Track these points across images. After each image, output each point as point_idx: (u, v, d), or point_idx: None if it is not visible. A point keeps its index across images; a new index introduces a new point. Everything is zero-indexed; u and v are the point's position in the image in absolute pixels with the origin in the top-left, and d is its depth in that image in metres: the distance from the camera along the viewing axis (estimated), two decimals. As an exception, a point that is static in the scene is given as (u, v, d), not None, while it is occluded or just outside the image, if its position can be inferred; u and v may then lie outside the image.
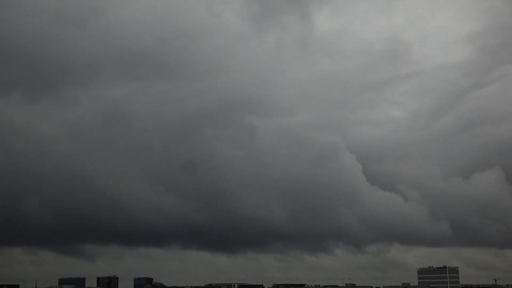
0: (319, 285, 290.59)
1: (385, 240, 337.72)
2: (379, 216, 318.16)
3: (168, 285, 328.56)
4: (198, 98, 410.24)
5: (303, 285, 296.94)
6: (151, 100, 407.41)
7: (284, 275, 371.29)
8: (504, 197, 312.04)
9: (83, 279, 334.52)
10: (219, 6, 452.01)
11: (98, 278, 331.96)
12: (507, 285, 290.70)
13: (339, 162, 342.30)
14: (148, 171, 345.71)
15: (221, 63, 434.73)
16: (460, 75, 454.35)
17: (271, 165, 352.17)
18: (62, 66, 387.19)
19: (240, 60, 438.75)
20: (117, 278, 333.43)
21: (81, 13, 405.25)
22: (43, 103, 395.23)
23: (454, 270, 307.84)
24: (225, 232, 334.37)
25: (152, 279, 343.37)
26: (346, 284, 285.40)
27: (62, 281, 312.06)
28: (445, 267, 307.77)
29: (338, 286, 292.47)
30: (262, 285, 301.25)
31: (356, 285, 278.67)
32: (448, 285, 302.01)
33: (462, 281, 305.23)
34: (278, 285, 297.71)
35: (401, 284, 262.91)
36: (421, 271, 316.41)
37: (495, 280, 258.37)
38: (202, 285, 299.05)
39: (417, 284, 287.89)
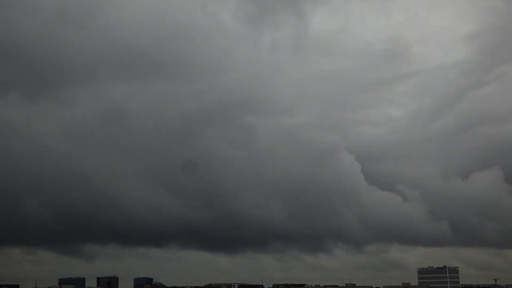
0: (319, 285, 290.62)
1: (384, 240, 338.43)
2: (378, 216, 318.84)
3: (168, 285, 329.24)
4: (198, 98, 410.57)
5: (303, 285, 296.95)
6: (150, 100, 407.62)
7: (284, 275, 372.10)
8: (503, 197, 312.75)
9: (83, 279, 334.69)
10: (218, 6, 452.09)
11: (98, 278, 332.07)
12: (507, 285, 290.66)
13: (339, 162, 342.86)
14: (148, 171, 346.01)
15: (220, 63, 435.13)
16: (459, 75, 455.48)
17: (270, 165, 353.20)
18: (61, 66, 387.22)
19: (239, 60, 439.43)
20: (117, 278, 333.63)
21: (80, 13, 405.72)
22: (42, 103, 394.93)
23: (454, 270, 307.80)
24: (224, 232, 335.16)
25: (152, 279, 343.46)
26: (346, 284, 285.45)
27: (62, 281, 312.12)
28: (445, 267, 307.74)
29: (338, 286, 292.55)
30: (262, 285, 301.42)
31: (356, 285, 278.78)
32: (448, 285, 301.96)
33: (462, 281, 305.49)
34: (278, 285, 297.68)
35: (401, 284, 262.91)
36: (421, 271, 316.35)
37: (495, 280, 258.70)
38: (202, 285, 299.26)
39: (417, 284, 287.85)
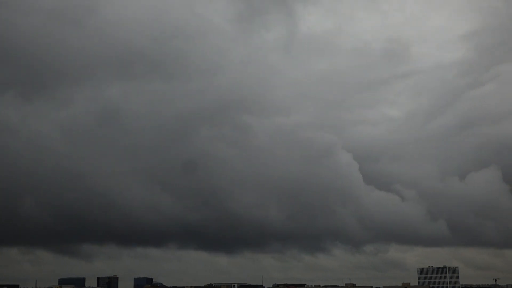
0: (319, 285, 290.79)
1: (382, 240, 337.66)
2: (376, 216, 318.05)
3: (168, 285, 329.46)
4: (195, 98, 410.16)
5: (303, 285, 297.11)
6: (148, 100, 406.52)
7: (284, 275, 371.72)
8: (501, 196, 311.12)
9: (83, 279, 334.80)
10: (215, 6, 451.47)
11: (98, 278, 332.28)
12: (507, 285, 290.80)
13: (336, 162, 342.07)
14: (145, 171, 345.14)
15: (217, 62, 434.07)
16: (457, 75, 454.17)
17: (268, 165, 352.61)
18: (58, 65, 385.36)
19: (236, 60, 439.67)
20: (117, 278, 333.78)
21: (77, 12, 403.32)
22: (39, 103, 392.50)
23: (454, 270, 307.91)
24: (222, 232, 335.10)
25: (152, 279, 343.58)
26: (346, 284, 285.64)
27: (62, 281, 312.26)
28: (445, 267, 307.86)
29: (338, 286, 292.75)
30: (262, 285, 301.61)
31: (356, 285, 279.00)
32: (448, 285, 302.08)
33: (462, 281, 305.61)
34: (278, 285, 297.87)
35: (401, 284, 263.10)
36: (421, 271, 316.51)
37: (495, 280, 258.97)
38: (202, 285, 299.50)
39: (417, 284, 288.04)
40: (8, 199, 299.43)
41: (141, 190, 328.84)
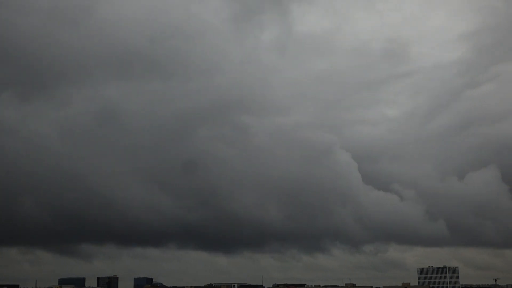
0: (319, 285, 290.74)
1: (382, 240, 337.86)
2: (375, 216, 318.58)
3: (168, 285, 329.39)
4: (193, 98, 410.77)
5: (303, 285, 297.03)
6: (145, 99, 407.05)
7: (283, 275, 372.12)
8: (500, 196, 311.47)
9: (83, 279, 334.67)
10: (214, 6, 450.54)
11: (98, 278, 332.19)
12: (507, 285, 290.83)
13: (335, 162, 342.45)
14: (144, 171, 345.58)
15: (216, 62, 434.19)
16: (455, 74, 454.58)
17: (267, 165, 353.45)
18: (56, 65, 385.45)
19: (235, 60, 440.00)
20: (117, 278, 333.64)
21: (74, 12, 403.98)
22: (37, 103, 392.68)
23: (454, 270, 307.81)
24: (221, 232, 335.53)
25: (152, 279, 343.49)
26: (346, 284, 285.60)
27: (62, 281, 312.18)
28: (445, 267, 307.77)
29: (338, 286, 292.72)
30: (262, 285, 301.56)
31: (356, 285, 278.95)
32: (448, 285, 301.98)
33: (462, 281, 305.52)
34: (278, 285, 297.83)
35: (401, 284, 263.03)
36: (421, 271, 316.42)
37: (495, 280, 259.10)
38: (202, 285, 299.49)
39: (417, 284, 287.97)
40: (7, 199, 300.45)
41: (140, 190, 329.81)
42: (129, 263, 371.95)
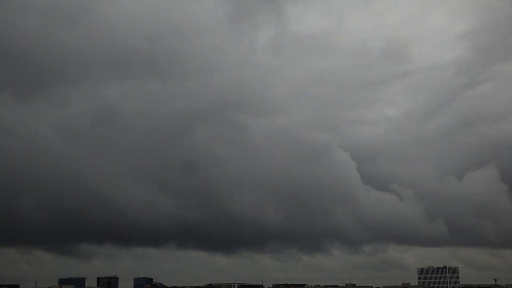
0: (319, 285, 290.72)
1: (381, 240, 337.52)
2: (374, 215, 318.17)
3: (168, 285, 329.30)
4: (192, 97, 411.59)
5: (303, 285, 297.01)
6: (144, 99, 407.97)
7: (283, 275, 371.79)
8: (499, 196, 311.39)
9: (83, 279, 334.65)
10: (212, 5, 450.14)
11: (98, 278, 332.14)
12: (507, 285, 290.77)
13: (334, 162, 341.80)
14: (143, 171, 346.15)
15: (214, 62, 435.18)
16: (454, 74, 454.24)
17: (266, 165, 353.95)
18: (54, 65, 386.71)
19: (233, 59, 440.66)
20: (117, 278, 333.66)
21: (72, 11, 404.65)
22: (35, 103, 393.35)
23: (454, 270, 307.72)
24: (220, 232, 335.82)
25: (152, 279, 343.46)
26: (346, 284, 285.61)
27: (62, 281, 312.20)
28: (445, 267, 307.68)
29: (338, 286, 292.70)
30: (262, 285, 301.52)
31: (356, 285, 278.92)
32: (448, 285, 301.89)
33: (462, 281, 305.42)
34: (278, 285, 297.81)
35: (401, 284, 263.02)
36: (421, 271, 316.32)
37: (495, 280, 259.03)
38: (202, 285, 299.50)
39: (417, 284, 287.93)
40: (6, 199, 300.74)
41: (139, 190, 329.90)
42: (129, 263, 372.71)
